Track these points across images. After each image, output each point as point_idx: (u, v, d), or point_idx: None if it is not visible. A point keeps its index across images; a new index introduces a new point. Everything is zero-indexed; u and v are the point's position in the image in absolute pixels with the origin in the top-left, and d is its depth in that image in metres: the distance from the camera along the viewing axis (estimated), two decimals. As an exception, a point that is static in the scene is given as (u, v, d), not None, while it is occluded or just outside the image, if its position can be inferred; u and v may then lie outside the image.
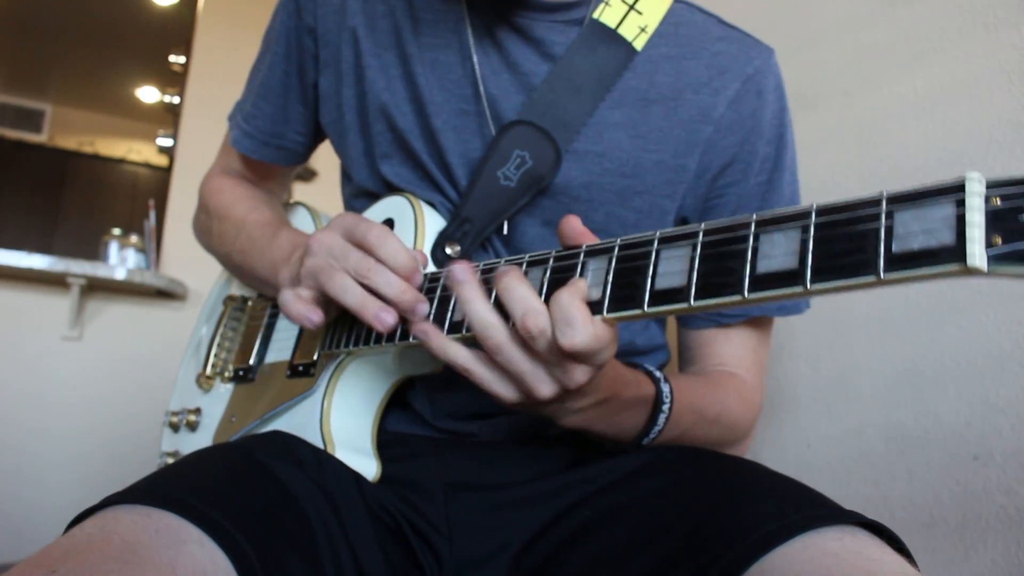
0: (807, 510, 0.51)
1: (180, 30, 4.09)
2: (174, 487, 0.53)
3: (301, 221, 0.93)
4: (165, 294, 2.92)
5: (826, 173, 1.08)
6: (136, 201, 5.85)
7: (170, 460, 0.89)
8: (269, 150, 0.89)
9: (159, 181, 5.89)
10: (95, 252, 2.96)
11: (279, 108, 0.86)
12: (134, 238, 3.00)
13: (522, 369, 0.52)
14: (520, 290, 0.51)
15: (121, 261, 2.91)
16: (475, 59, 0.73)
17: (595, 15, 0.73)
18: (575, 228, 0.55)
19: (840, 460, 0.99)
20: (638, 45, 0.74)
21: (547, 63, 0.73)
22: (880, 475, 0.94)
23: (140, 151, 6.48)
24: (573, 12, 0.74)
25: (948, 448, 0.87)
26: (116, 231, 2.99)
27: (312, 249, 0.63)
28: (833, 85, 1.10)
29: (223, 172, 0.94)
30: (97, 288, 2.82)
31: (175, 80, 3.95)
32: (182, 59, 3.77)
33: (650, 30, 0.74)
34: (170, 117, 4.16)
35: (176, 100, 3.81)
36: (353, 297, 0.60)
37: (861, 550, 0.47)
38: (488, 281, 0.56)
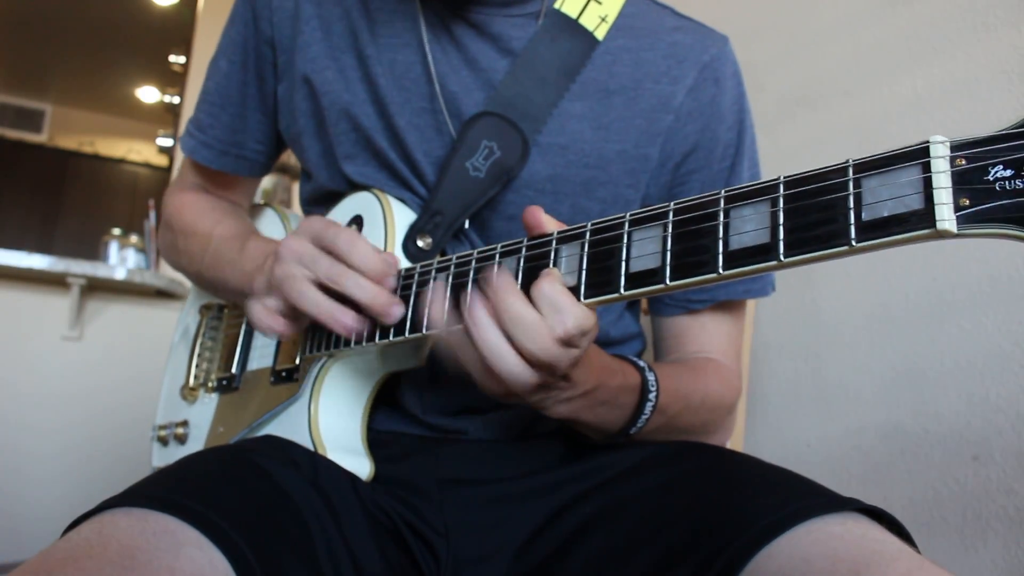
0: (809, 499, 0.51)
1: (180, 30, 4.09)
2: (171, 490, 0.53)
3: (269, 222, 0.92)
4: (165, 294, 2.92)
5: (826, 173, 1.08)
6: (136, 201, 5.85)
7: None
8: (228, 160, 0.87)
9: (159, 181, 5.91)
10: (95, 252, 2.96)
11: (237, 117, 0.85)
12: (134, 238, 3.00)
13: (513, 365, 0.52)
14: (516, 308, 0.51)
15: (121, 261, 2.91)
16: (430, 57, 0.73)
17: (556, 6, 0.74)
18: (537, 218, 0.56)
19: (840, 460, 0.99)
20: (599, 35, 0.74)
21: (506, 58, 0.73)
22: (880, 475, 0.94)
23: (140, 151, 6.49)
24: (528, 6, 0.74)
25: (948, 448, 0.87)
26: (116, 231, 2.99)
27: (281, 256, 0.62)
28: (833, 85, 1.10)
29: (184, 188, 0.92)
30: (97, 288, 2.82)
31: (175, 80, 3.95)
32: (182, 59, 3.78)
33: (610, 20, 0.75)
34: (170, 117, 4.17)
35: (176, 100, 3.82)
36: (314, 306, 0.60)
37: (865, 533, 0.48)
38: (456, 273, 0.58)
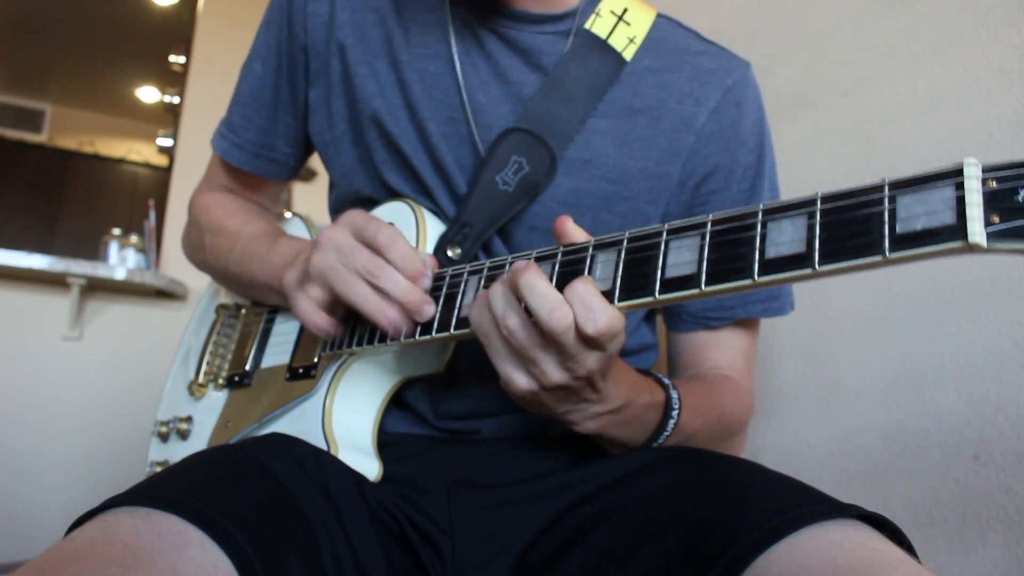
0: (809, 505, 0.51)
1: (180, 30, 4.09)
2: (175, 489, 0.53)
3: (296, 232, 0.93)
4: (165, 294, 2.92)
5: (826, 173, 1.08)
6: (136, 201, 5.85)
7: (159, 470, 0.89)
8: (260, 162, 0.88)
9: (159, 181, 5.89)
10: (95, 252, 2.96)
11: (269, 120, 0.86)
12: (134, 238, 2.99)
13: (537, 356, 0.53)
14: (541, 286, 0.52)
15: (121, 261, 2.91)
16: (459, 69, 0.74)
17: (587, 26, 0.75)
18: (566, 227, 0.57)
19: (840, 460, 1.00)
20: (627, 55, 0.76)
21: (535, 73, 0.74)
22: (880, 475, 0.94)
23: (140, 151, 6.48)
24: (561, 24, 0.76)
25: (948, 448, 0.87)
26: (116, 231, 2.99)
27: (321, 244, 0.64)
28: (833, 85, 1.10)
29: (212, 188, 0.94)
30: (97, 288, 2.82)
31: (175, 80, 3.95)
32: (182, 59, 3.77)
33: (638, 41, 0.77)
34: (170, 117, 4.16)
35: (176, 100, 3.81)
36: (366, 301, 0.61)
37: (864, 540, 0.48)
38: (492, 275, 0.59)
